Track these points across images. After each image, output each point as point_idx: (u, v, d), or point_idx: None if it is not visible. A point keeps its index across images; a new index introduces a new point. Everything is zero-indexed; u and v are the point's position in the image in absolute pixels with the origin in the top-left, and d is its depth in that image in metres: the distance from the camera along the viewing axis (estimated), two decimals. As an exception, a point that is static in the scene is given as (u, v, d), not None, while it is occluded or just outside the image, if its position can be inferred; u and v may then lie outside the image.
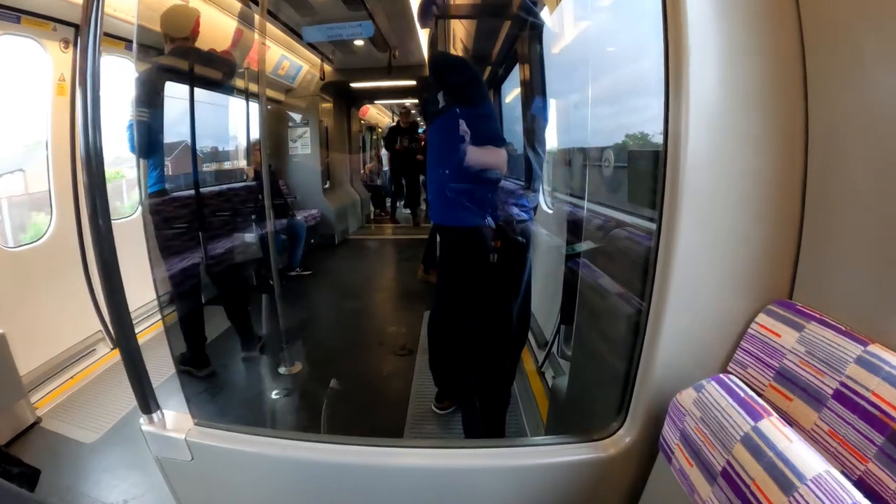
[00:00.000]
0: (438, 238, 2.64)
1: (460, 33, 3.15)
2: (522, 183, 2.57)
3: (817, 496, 0.85)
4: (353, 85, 4.84)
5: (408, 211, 5.45)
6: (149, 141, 3.23)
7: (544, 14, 2.76)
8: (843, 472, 0.90)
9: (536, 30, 2.78)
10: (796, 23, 1.25)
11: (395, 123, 4.85)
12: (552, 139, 2.74)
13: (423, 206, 5.39)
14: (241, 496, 1.65)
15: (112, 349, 4.30)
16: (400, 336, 3.64)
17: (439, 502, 1.57)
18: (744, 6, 1.24)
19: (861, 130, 1.14)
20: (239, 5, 3.61)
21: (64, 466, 2.83)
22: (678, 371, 1.34)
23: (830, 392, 1.05)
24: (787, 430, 1.01)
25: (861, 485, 0.94)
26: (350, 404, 3.11)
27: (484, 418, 2.39)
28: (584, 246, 2.27)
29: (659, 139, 1.35)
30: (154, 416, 1.56)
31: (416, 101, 5.19)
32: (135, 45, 3.83)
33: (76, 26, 3.91)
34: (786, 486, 0.90)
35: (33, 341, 3.66)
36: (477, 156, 2.27)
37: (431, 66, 2.83)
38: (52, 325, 3.93)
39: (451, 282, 2.58)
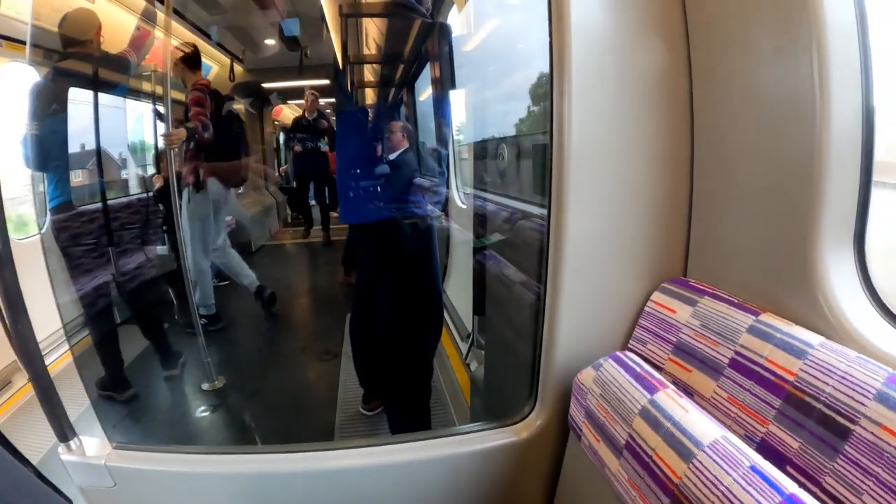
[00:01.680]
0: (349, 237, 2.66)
1: (373, 32, 3.15)
2: (433, 179, 2.60)
3: (715, 461, 0.90)
4: (265, 85, 4.72)
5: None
6: (44, 153, 3.07)
7: (451, 15, 2.80)
8: (745, 436, 0.98)
9: (441, 30, 2.81)
10: (682, 16, 1.32)
11: (300, 115, 4.49)
12: (465, 135, 2.80)
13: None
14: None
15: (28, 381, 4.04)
16: (323, 341, 3.59)
17: (373, 499, 1.58)
18: None
19: (744, 117, 1.22)
20: (142, 4, 3.47)
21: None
22: (580, 352, 1.39)
23: (726, 361, 1.12)
24: (683, 401, 1.07)
25: (763, 446, 1.01)
26: (277, 413, 3.03)
27: (409, 414, 2.42)
28: (491, 238, 2.32)
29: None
30: (72, 443, 1.49)
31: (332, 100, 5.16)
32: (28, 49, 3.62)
33: None
34: (685, 455, 0.95)
35: None
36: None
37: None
38: None
39: (365, 279, 2.61)
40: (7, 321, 1.33)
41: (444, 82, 2.77)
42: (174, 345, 3.44)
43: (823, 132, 1.01)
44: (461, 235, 2.88)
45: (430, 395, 2.44)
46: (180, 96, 4.05)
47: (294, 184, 5.02)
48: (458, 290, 2.79)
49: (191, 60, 3.82)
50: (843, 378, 0.91)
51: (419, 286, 2.32)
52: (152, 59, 3.46)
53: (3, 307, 1.33)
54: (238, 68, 4.40)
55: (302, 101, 4.84)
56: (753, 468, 0.86)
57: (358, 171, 2.34)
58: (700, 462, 0.91)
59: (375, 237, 2.30)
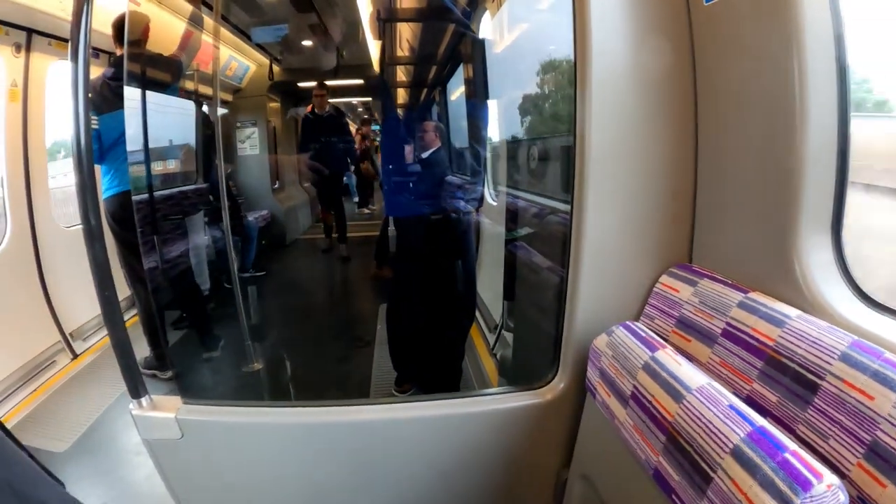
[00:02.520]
0: (394, 229, 2.80)
1: (407, 35, 3.30)
2: (468, 178, 2.75)
3: (700, 400, 1.09)
4: (301, 84, 4.85)
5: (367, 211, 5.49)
6: (97, 147, 3.27)
7: (484, 19, 2.94)
8: (734, 393, 1.13)
9: (475, 34, 2.94)
10: (687, 25, 1.50)
11: (308, 110, 4.29)
12: (495, 135, 2.95)
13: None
14: (229, 465, 1.81)
15: (72, 359, 4.30)
16: (357, 330, 3.75)
17: (412, 449, 1.79)
18: (641, 13, 1.48)
19: (740, 118, 1.40)
20: (189, 7, 3.64)
21: (37, 478, 2.85)
22: (597, 325, 1.58)
23: (719, 331, 1.31)
24: (678, 357, 1.26)
25: (749, 401, 1.18)
26: (312, 394, 3.20)
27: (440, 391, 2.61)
28: (521, 231, 2.51)
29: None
30: (143, 400, 1.67)
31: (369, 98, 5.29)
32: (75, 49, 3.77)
33: (29, 30, 3.88)
34: (676, 397, 1.14)
35: None
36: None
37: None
38: (12, 337, 3.88)
39: (405, 269, 2.78)
40: (95, 287, 1.52)
41: (480, 84, 2.92)
42: (215, 329, 3.64)
43: (803, 133, 1.18)
44: (491, 230, 3.04)
45: (461, 375, 2.64)
46: (227, 96, 4.24)
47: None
48: (487, 283, 2.95)
49: None
50: (814, 343, 1.07)
51: (457, 276, 2.51)
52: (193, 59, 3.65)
53: (92, 275, 1.51)
54: (276, 68, 4.57)
55: (347, 100, 4.92)
56: (731, 406, 1.04)
57: (400, 167, 2.51)
58: (688, 402, 1.10)
59: (417, 230, 2.48)
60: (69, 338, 4.36)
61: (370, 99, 5.46)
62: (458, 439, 1.78)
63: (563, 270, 1.69)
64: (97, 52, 4.54)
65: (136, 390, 1.64)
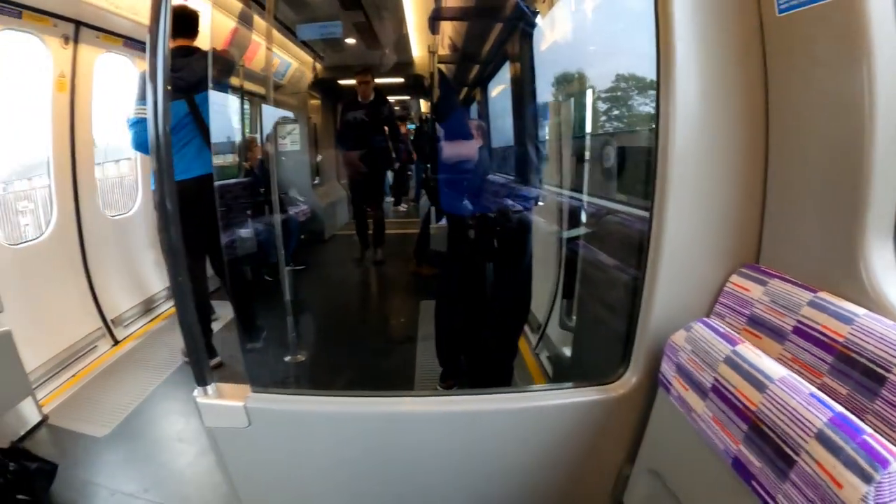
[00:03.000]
0: (448, 226, 2.79)
1: (452, 34, 3.29)
2: (526, 176, 2.74)
3: (783, 390, 1.13)
4: (343, 82, 4.87)
5: (403, 207, 5.49)
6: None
7: (538, 17, 2.92)
8: (806, 386, 1.18)
9: (530, 32, 2.92)
10: (759, 35, 1.52)
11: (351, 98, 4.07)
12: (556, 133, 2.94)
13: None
14: (292, 454, 1.82)
15: (113, 345, 4.36)
16: (398, 325, 3.76)
17: (467, 442, 1.81)
18: (718, 24, 1.51)
19: (812, 122, 1.41)
20: (239, 5, 3.68)
21: (78, 461, 2.88)
22: (670, 323, 1.61)
23: (790, 329, 1.34)
24: (757, 351, 1.29)
25: (820, 393, 1.22)
26: (354, 388, 3.20)
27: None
28: (583, 230, 2.51)
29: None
30: (209, 388, 1.67)
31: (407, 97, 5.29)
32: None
33: (77, 22, 3.95)
34: (760, 387, 1.18)
35: (37, 338, 3.69)
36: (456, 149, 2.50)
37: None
38: (55, 322, 3.96)
39: (458, 267, 2.76)
40: (168, 271, 1.53)
41: (533, 82, 2.90)
42: (258, 319, 3.68)
43: (871, 139, 1.22)
44: (540, 228, 3.02)
45: (513, 374, 2.62)
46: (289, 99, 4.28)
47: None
48: (535, 283, 2.93)
49: None
50: (882, 339, 1.13)
51: (513, 274, 2.49)
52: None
53: (165, 260, 1.52)
54: (318, 65, 4.60)
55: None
56: (812, 395, 1.09)
57: (458, 164, 2.50)
58: (772, 392, 1.14)
59: (473, 228, 2.47)
60: (110, 324, 4.44)
61: (409, 97, 5.50)
62: (518, 434, 1.80)
63: (635, 269, 1.74)
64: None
65: (203, 377, 1.65)
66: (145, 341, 4.49)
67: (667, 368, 1.56)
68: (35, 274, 3.87)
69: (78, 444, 3.06)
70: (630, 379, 1.73)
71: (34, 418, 3.26)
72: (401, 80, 4.75)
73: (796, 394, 1.10)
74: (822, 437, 1.00)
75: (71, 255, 4.24)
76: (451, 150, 2.51)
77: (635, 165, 2.09)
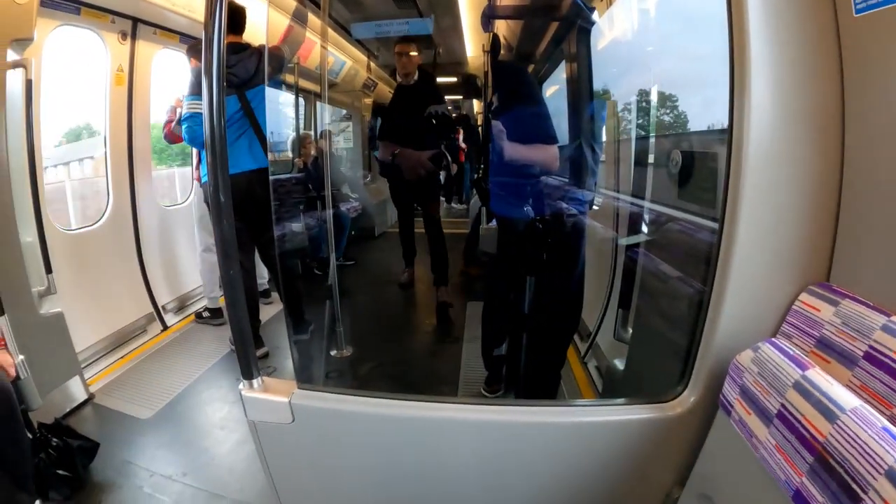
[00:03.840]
0: (498, 228, 2.73)
1: (506, 32, 3.23)
2: (577, 179, 2.66)
3: (855, 421, 1.03)
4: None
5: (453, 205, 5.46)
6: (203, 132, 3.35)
7: (595, 15, 2.85)
8: (876, 418, 1.09)
9: (587, 30, 2.86)
10: (836, 40, 1.42)
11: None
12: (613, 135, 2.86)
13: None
14: (334, 453, 1.80)
15: (162, 330, 4.47)
16: (445, 325, 3.74)
17: (516, 454, 1.75)
18: (792, 29, 1.42)
19: (890, 136, 1.31)
20: (293, 3, 3.71)
21: (120, 441, 2.93)
22: (735, 340, 1.51)
23: (861, 354, 1.25)
24: (828, 377, 1.19)
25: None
26: (399, 386, 3.24)
27: (536, 397, 2.54)
28: (642, 237, 2.42)
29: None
30: (255, 381, 1.67)
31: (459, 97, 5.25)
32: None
33: (134, 19, 4.07)
34: (830, 417, 1.08)
35: (88, 320, 3.81)
36: (527, 153, 2.40)
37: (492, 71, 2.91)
38: (106, 305, 4.08)
39: (509, 270, 2.70)
40: (220, 265, 1.53)
41: (588, 82, 2.83)
42: (306, 313, 3.70)
43: None
44: (596, 234, 2.95)
45: (560, 383, 2.57)
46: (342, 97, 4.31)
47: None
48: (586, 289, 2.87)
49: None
50: None
51: (566, 280, 2.43)
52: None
53: (217, 253, 1.52)
54: (372, 64, 4.61)
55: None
56: (884, 428, 1.00)
57: (512, 164, 2.43)
58: (842, 423, 1.05)
59: (526, 230, 2.40)
60: (161, 310, 4.56)
61: (460, 97, 5.46)
62: (563, 449, 1.73)
63: (699, 281, 1.65)
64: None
65: (249, 371, 1.64)
66: (194, 328, 4.59)
67: (729, 390, 1.47)
68: (89, 259, 4.00)
69: (121, 424, 3.13)
70: (688, 398, 1.64)
71: (80, 396, 3.35)
72: (453, 79, 4.71)
73: (868, 426, 1.02)
74: (892, 476, 0.93)
75: (125, 242, 4.38)
76: (509, 151, 2.42)
77: (701, 171, 1.99)
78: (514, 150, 2.40)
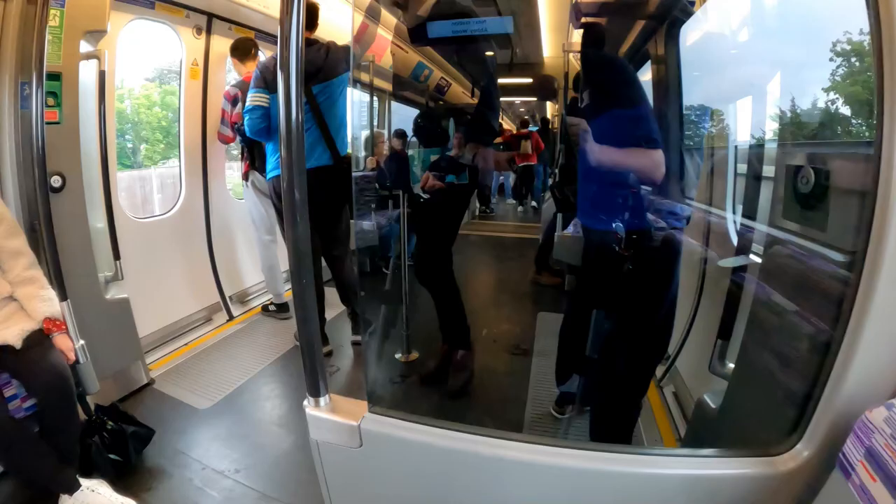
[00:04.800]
0: (584, 240, 2.55)
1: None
2: (673, 191, 2.45)
3: None
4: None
5: (521, 209, 5.36)
6: (266, 126, 3.36)
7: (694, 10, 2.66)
8: None
9: (679, 29, 2.66)
10: None
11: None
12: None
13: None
14: (400, 484, 1.67)
15: (228, 321, 4.52)
16: (514, 335, 3.62)
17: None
18: None
19: None
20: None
21: (175, 429, 2.93)
22: (866, 394, 1.30)
23: None
24: None
25: None
26: (466, 397, 3.13)
27: (617, 428, 2.34)
28: (747, 261, 2.20)
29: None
30: (321, 399, 1.56)
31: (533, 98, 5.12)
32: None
33: (209, 14, 4.16)
34: None
35: (155, 306, 3.88)
36: (623, 158, 2.18)
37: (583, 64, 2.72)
38: (174, 292, 4.16)
39: (593, 285, 2.52)
40: (291, 273, 1.43)
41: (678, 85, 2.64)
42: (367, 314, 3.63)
43: None
44: (690, 253, 2.75)
45: (640, 411, 2.38)
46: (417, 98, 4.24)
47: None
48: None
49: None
50: None
51: (658, 306, 2.21)
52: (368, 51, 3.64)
53: (289, 261, 1.42)
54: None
55: (508, 99, 4.74)
56: None
57: (597, 172, 2.24)
58: None
59: (617, 244, 2.19)
60: (228, 301, 4.63)
61: (534, 99, 5.34)
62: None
63: (827, 321, 1.41)
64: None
65: (316, 388, 1.53)
66: (259, 320, 4.60)
67: (852, 449, 1.23)
68: (159, 247, 4.09)
69: (178, 412, 3.14)
70: (801, 453, 1.41)
71: (141, 380, 3.40)
72: (529, 79, 4.59)
73: None
74: None
75: (196, 233, 4.46)
76: (599, 154, 2.21)
77: (838, 191, 1.72)
78: (606, 154, 2.19)
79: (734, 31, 2.54)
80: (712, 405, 2.08)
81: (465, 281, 3.86)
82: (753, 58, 2.40)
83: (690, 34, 2.62)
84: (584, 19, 2.51)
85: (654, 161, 2.05)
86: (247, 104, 3.39)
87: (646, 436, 2.58)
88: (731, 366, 2.22)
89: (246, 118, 3.42)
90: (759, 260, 2.14)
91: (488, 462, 1.54)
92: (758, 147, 2.36)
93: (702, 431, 2.21)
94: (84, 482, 2.25)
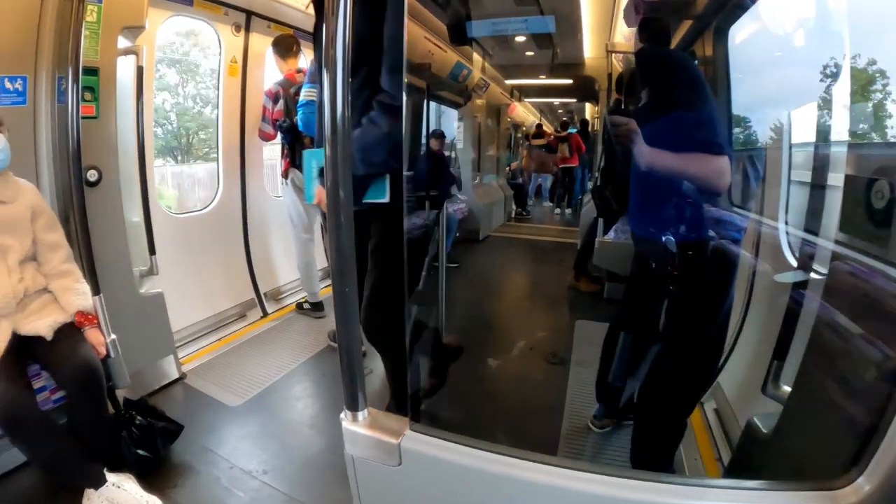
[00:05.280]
0: (634, 248, 2.45)
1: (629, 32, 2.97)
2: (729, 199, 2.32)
3: None
4: (510, 82, 4.76)
5: (558, 212, 5.30)
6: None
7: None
8: None
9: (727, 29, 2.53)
10: None
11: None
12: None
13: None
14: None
15: (262, 317, 4.53)
16: (550, 343, 3.54)
17: None
18: None
19: None
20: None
21: (204, 426, 2.91)
22: None
23: None
24: None
25: None
26: (499, 406, 3.06)
27: (660, 448, 2.24)
28: (804, 276, 2.07)
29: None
30: (360, 414, 1.50)
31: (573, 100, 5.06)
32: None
33: (247, 12, 4.19)
34: None
35: (189, 301, 3.92)
36: (681, 163, 2.06)
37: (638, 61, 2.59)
38: (209, 287, 4.20)
39: (642, 297, 2.41)
40: (333, 280, 1.38)
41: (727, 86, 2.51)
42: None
43: None
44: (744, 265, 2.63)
45: (684, 432, 2.27)
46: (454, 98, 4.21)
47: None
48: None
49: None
50: None
51: (710, 320, 2.10)
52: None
53: (331, 264, 1.36)
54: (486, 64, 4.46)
55: (547, 100, 4.69)
56: None
57: (654, 180, 2.12)
58: None
59: (672, 255, 2.07)
60: (263, 297, 4.65)
61: (574, 100, 5.28)
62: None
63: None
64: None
65: (355, 402, 1.46)
66: (293, 317, 4.59)
67: None
68: (196, 242, 4.13)
69: (208, 408, 3.12)
70: (862, 487, 1.29)
71: (172, 375, 3.40)
72: (569, 80, 4.54)
73: None
74: None
75: (233, 229, 4.50)
76: (652, 158, 2.07)
77: None
78: (662, 159, 2.07)
79: (792, 27, 2.39)
80: (763, 429, 1.96)
81: (500, 284, 3.80)
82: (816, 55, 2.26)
83: (740, 32, 2.48)
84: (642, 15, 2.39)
85: (718, 168, 1.92)
86: (301, 98, 3.37)
87: (685, 457, 2.47)
88: (786, 388, 2.09)
89: (300, 112, 3.39)
90: (818, 276, 2.01)
91: (538, 490, 1.44)
92: (819, 153, 2.21)
93: (750, 457, 2.09)
94: (110, 477, 2.25)
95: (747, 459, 2.11)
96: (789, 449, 1.80)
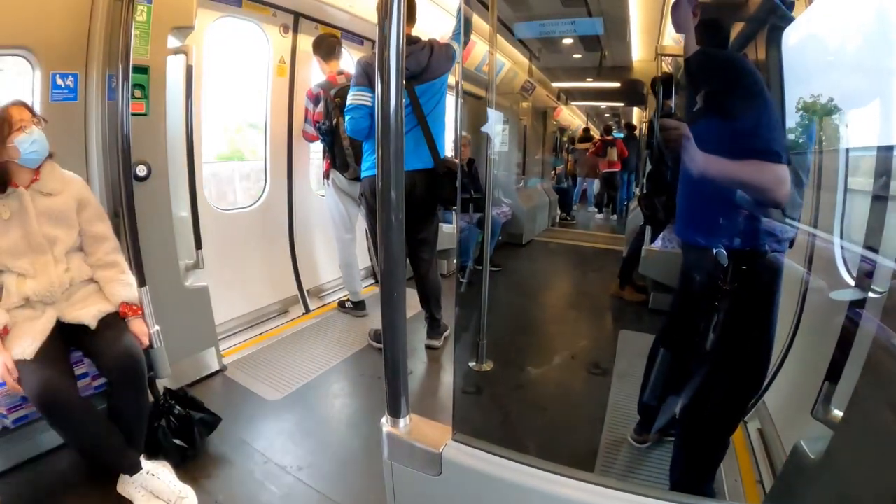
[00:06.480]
0: (683, 257, 2.37)
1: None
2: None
3: None
4: (556, 84, 4.72)
5: (601, 216, 5.25)
6: (368, 125, 3.32)
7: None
8: None
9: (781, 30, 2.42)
10: None
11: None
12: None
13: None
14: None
15: (304, 314, 4.57)
16: (592, 352, 3.48)
17: None
18: None
19: None
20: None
21: (242, 419, 2.93)
22: None
23: None
24: None
25: None
26: (539, 415, 3.02)
27: (702, 466, 2.17)
28: (861, 294, 1.97)
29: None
30: (402, 421, 1.48)
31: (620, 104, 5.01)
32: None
33: (295, 13, 4.25)
34: None
35: (233, 295, 3.99)
36: (736, 170, 1.98)
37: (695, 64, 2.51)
38: (254, 283, 4.27)
39: (690, 309, 2.34)
40: (381, 284, 1.36)
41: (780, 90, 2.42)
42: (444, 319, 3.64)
43: None
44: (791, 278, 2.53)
45: (726, 451, 2.20)
46: (480, 91, 4.19)
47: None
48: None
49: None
50: None
51: (762, 337, 2.02)
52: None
53: (380, 267, 1.35)
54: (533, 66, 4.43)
55: (594, 104, 4.64)
56: None
57: (706, 187, 2.04)
58: None
59: (720, 269, 1.99)
60: (306, 294, 4.70)
61: (621, 104, 5.23)
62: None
63: None
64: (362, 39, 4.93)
65: (398, 409, 1.44)
66: (335, 315, 4.61)
67: None
68: (241, 238, 4.21)
69: (247, 401, 3.14)
70: None
71: (213, 366, 3.45)
72: (617, 84, 4.50)
73: None
74: None
75: (278, 226, 4.58)
76: (714, 167, 1.98)
77: None
78: (716, 165, 1.98)
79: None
80: (811, 455, 1.86)
81: (542, 289, 3.76)
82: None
83: (793, 34, 2.38)
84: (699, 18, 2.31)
85: (776, 177, 1.84)
86: (348, 102, 3.36)
87: (725, 476, 2.38)
88: (837, 412, 1.99)
89: (347, 117, 3.39)
90: (876, 295, 1.92)
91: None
92: (880, 162, 2.10)
93: (795, 484, 1.99)
94: (146, 464, 2.28)
95: (792, 486, 2.01)
96: (838, 477, 1.71)
